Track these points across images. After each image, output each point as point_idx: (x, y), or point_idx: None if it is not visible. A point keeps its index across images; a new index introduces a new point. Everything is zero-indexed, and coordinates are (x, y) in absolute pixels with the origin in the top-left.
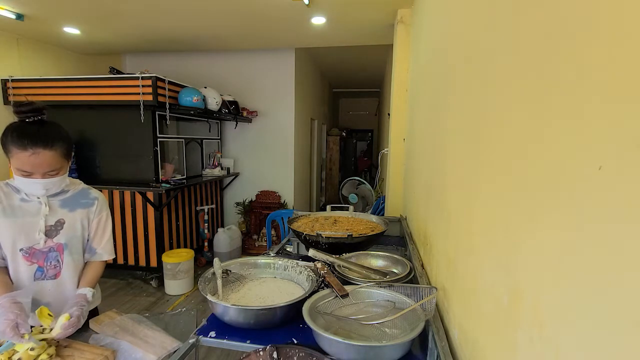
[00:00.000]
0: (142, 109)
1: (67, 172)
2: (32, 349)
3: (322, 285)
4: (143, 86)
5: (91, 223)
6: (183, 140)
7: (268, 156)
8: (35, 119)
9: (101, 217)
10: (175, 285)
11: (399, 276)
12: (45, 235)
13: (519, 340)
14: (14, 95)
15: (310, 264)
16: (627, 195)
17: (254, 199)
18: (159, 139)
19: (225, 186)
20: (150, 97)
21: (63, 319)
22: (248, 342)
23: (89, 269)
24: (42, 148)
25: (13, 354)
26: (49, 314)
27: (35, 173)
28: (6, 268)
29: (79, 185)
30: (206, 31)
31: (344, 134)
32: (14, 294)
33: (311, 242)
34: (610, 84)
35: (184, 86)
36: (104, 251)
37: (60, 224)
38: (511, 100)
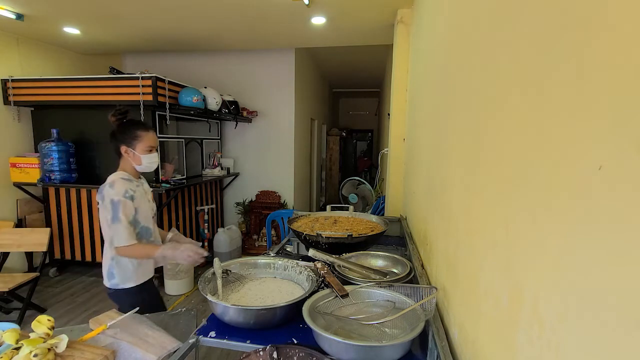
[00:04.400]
0: (142, 109)
1: None
2: (35, 355)
3: (322, 285)
4: (143, 86)
5: None
6: (183, 140)
7: (268, 156)
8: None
9: None
10: (175, 285)
11: (399, 276)
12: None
13: (519, 340)
14: (14, 95)
15: (310, 264)
16: (627, 195)
17: (254, 199)
18: (159, 139)
19: (225, 186)
20: (150, 97)
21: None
22: (248, 342)
23: None
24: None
25: (13, 355)
26: (47, 319)
27: (155, 148)
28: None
29: None
30: (206, 31)
31: (344, 134)
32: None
33: (311, 242)
34: (610, 83)
35: (184, 86)
36: None
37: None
38: (512, 100)
